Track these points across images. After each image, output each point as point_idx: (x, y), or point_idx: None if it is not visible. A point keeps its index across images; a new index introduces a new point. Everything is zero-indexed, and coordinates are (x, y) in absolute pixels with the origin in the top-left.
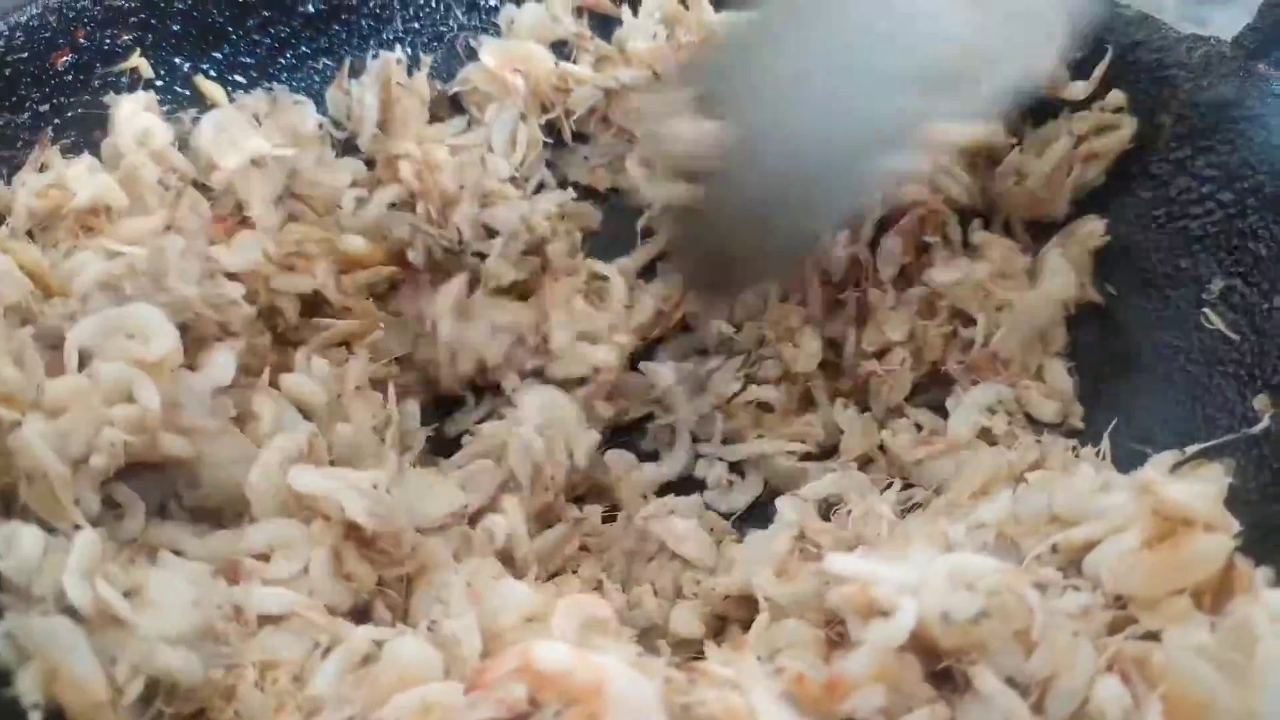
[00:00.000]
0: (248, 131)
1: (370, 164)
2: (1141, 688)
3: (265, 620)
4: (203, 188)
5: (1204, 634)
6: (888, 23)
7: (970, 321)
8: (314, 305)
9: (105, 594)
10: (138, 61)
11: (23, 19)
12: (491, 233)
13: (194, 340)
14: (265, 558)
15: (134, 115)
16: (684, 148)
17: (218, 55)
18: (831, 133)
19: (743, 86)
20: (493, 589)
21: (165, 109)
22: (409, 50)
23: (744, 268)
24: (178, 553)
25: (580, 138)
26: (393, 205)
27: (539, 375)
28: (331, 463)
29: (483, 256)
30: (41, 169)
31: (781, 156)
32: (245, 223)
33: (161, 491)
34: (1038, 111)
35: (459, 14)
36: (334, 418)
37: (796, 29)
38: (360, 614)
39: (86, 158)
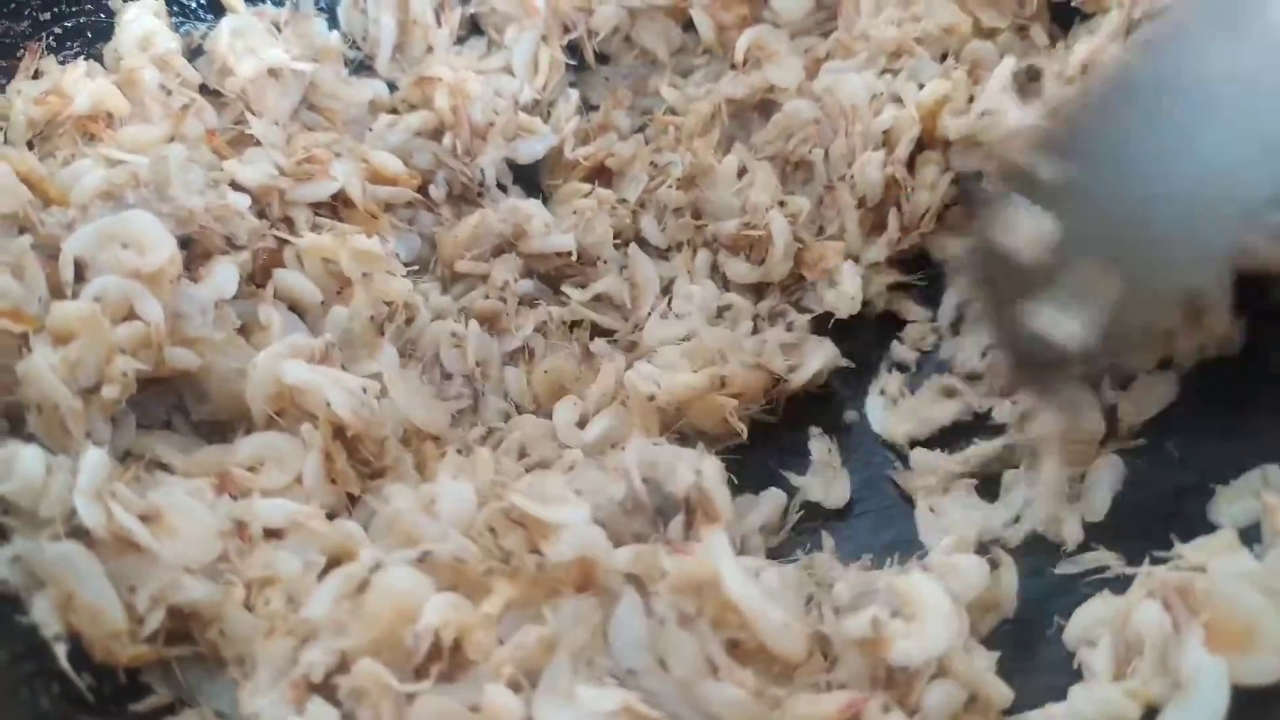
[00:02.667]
0: (266, 40)
1: (391, 87)
2: (1183, 614)
3: (269, 534)
4: (212, 95)
5: (1250, 561)
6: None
7: None
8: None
9: (124, 520)
10: None
11: None
12: (515, 168)
13: (198, 253)
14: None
15: (138, 19)
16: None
17: None
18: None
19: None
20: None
21: (174, 19)
22: None
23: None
24: (164, 466)
25: (603, 59)
26: (417, 133)
27: None
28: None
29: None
30: (36, 75)
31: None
32: (242, 135)
33: (166, 406)
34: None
35: None
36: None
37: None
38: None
39: (84, 63)
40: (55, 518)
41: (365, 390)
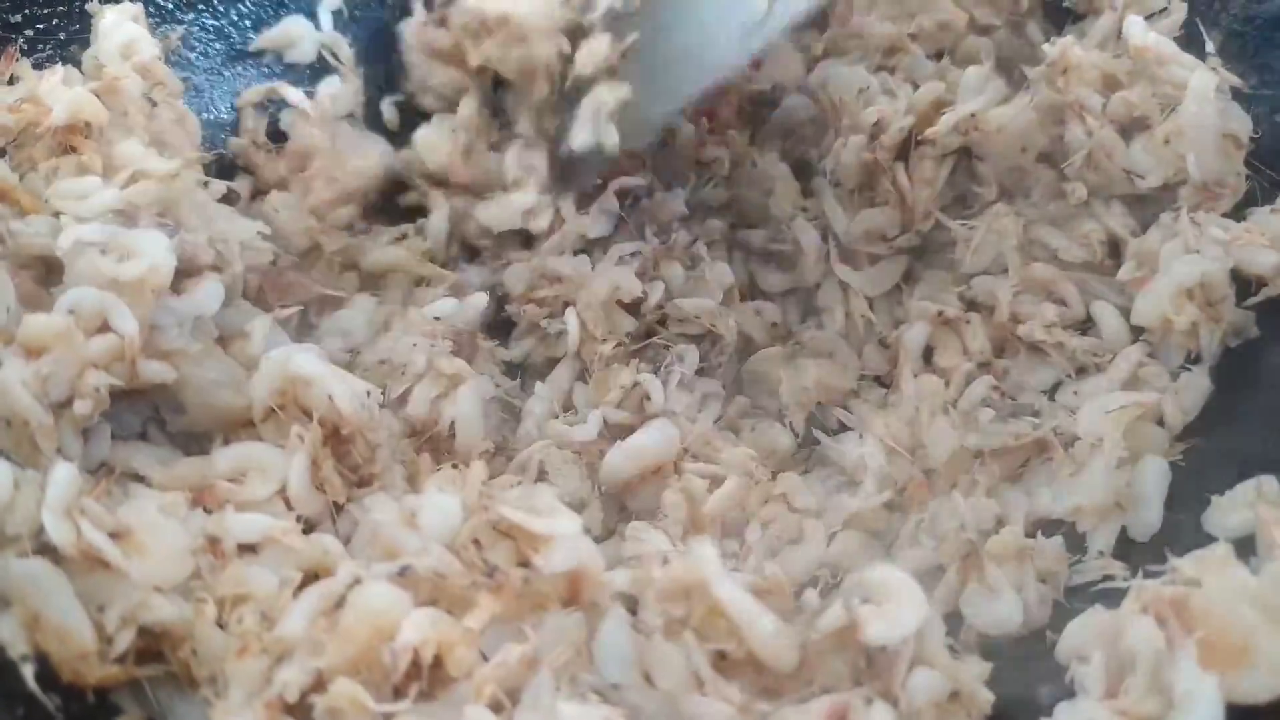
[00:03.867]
0: None
1: None
2: (1177, 630)
3: (243, 549)
4: None
5: (1246, 576)
6: None
7: None
8: None
9: (93, 538)
10: None
11: None
12: None
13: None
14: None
15: (118, 25)
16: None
17: None
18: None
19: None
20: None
21: (151, 20)
22: None
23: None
24: (139, 478)
25: None
26: None
27: None
28: None
29: None
30: (11, 81)
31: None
32: None
33: (141, 417)
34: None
35: None
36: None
37: None
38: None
39: (61, 69)
40: (22, 534)
41: (369, 394)
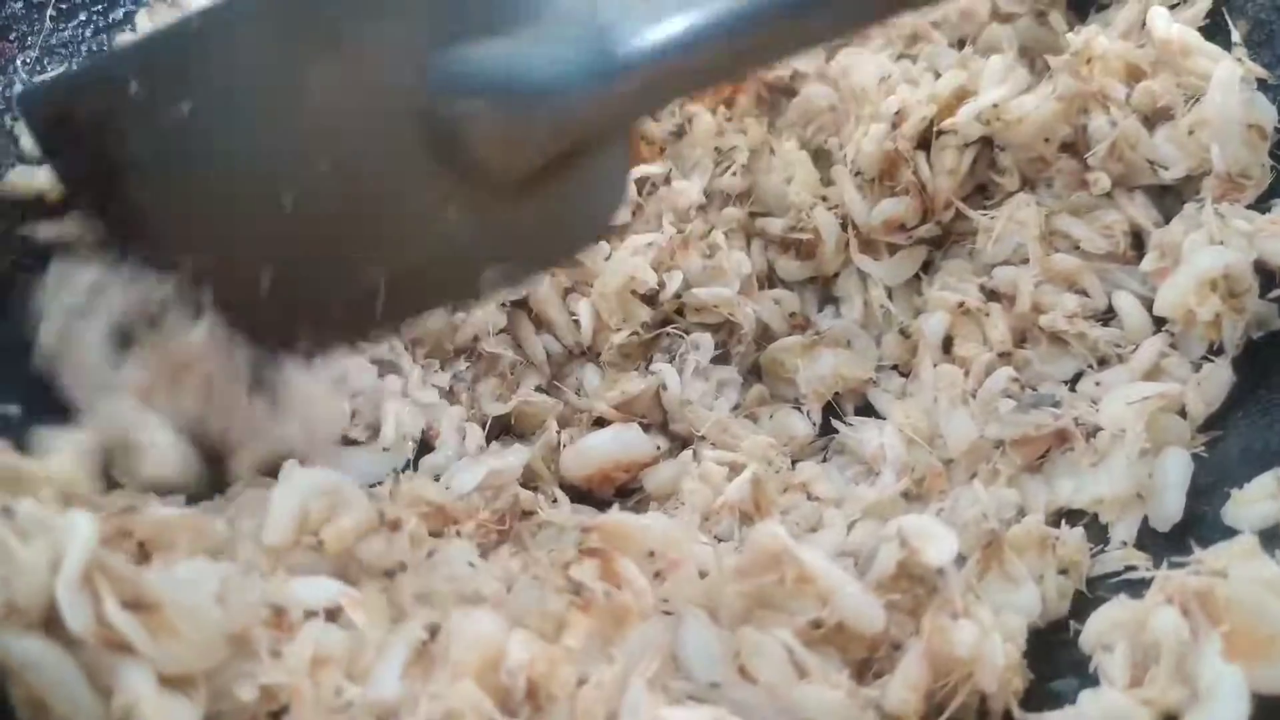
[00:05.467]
0: None
1: None
2: (1202, 621)
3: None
4: None
5: (1272, 567)
6: None
7: None
8: None
9: (117, 620)
10: None
11: None
12: None
13: None
14: None
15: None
16: None
17: None
18: None
19: None
20: None
21: None
22: None
23: None
24: None
25: None
26: None
27: None
28: None
29: None
30: None
31: None
32: None
33: None
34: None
35: None
36: None
37: None
38: None
39: None
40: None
41: None
